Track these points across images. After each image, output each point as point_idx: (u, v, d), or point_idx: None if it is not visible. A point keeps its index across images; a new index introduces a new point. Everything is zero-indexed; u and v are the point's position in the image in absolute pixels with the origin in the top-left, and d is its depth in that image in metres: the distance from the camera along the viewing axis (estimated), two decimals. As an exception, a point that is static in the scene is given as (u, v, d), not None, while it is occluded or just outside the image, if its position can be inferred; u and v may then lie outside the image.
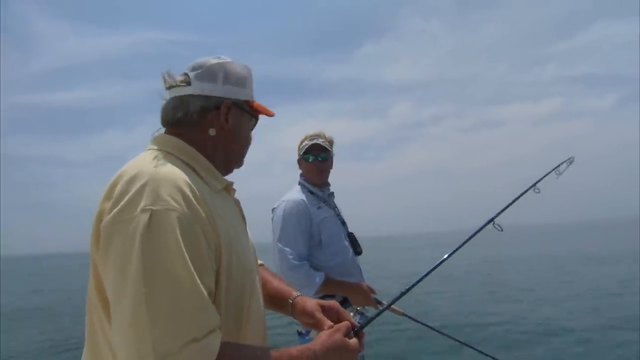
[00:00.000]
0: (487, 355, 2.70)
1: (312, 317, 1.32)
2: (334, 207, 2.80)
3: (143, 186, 0.95)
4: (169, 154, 1.10)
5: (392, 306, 2.56)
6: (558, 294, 11.70)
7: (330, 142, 2.76)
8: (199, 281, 0.92)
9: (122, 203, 0.94)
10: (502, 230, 1.83)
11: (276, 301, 1.45)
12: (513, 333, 7.98)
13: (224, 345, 0.95)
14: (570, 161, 2.25)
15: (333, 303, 1.34)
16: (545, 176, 2.17)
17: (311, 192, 2.72)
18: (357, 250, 2.77)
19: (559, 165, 2.22)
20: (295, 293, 1.42)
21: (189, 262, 0.92)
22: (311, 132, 2.77)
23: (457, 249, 1.77)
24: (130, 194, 0.94)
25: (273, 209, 2.71)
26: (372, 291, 2.61)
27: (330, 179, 2.82)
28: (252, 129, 1.31)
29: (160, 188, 0.95)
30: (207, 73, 1.18)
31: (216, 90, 1.18)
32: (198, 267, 0.94)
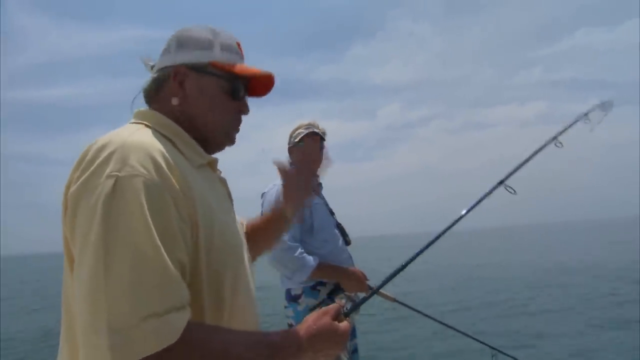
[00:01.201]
0: (480, 341, 2.71)
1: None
2: (323, 197, 2.79)
3: (111, 153, 0.89)
4: (147, 127, 1.04)
5: (383, 292, 2.57)
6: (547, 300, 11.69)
7: (324, 133, 2.75)
8: (164, 252, 0.85)
9: (89, 171, 0.89)
10: (515, 192, 1.55)
11: (272, 224, 1.49)
12: (505, 320, 8.07)
13: (191, 325, 0.87)
14: (606, 106, 1.71)
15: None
16: (571, 125, 1.67)
17: None
18: (346, 240, 2.77)
19: (587, 113, 1.68)
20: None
21: (154, 231, 0.85)
22: (305, 121, 2.74)
23: (461, 217, 1.52)
24: (98, 161, 0.89)
25: (263, 194, 2.68)
26: (365, 277, 2.61)
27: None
28: (235, 95, 1.16)
29: (129, 155, 0.89)
30: (165, 47, 1.15)
31: (168, 59, 1.13)
32: (165, 238, 0.87)
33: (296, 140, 2.71)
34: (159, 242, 0.85)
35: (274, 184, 2.66)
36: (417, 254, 1.45)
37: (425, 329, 6.96)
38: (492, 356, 2.68)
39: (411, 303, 2.62)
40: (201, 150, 1.12)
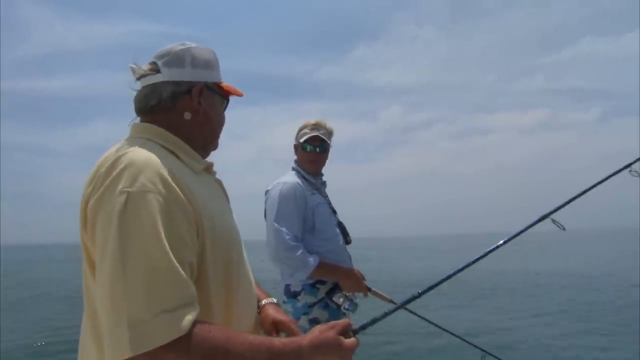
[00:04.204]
0: (469, 342, 2.77)
1: (268, 324, 1.33)
2: (326, 196, 2.82)
3: (122, 170, 1.00)
4: (148, 141, 1.13)
5: (378, 292, 2.63)
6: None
7: (330, 133, 2.76)
8: (172, 257, 0.96)
9: (102, 187, 1.00)
10: (564, 229, 1.49)
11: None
12: (496, 323, 8.06)
13: (199, 322, 0.97)
14: None
15: (289, 322, 1.33)
16: (613, 175, 1.68)
17: (305, 179, 2.72)
18: (347, 239, 2.80)
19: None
20: (264, 301, 1.42)
21: (164, 238, 0.96)
22: (312, 120, 2.74)
23: (491, 251, 1.50)
24: (110, 178, 1.00)
25: (267, 191, 2.69)
26: (363, 277, 2.65)
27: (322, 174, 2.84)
28: (224, 110, 1.34)
29: (138, 171, 1.00)
30: (175, 59, 1.21)
31: (185, 74, 1.21)
32: (174, 243, 0.98)
33: (301, 140, 2.72)
34: (168, 248, 0.96)
35: (277, 181, 2.68)
36: (440, 282, 1.45)
37: (415, 328, 6.97)
38: (482, 357, 2.73)
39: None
40: (198, 156, 1.25)
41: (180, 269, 0.97)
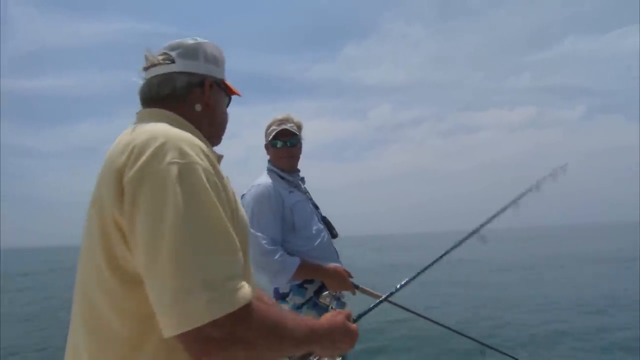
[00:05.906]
0: (468, 337, 2.68)
1: None
2: (306, 192, 2.73)
3: (163, 144, 0.99)
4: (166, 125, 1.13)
5: (366, 288, 2.53)
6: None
7: (299, 127, 2.68)
8: (230, 226, 0.98)
9: (145, 156, 0.96)
10: (485, 242, 1.92)
11: None
12: (493, 317, 8.03)
13: (254, 301, 0.98)
14: (557, 172, 2.24)
15: None
16: (524, 194, 2.18)
17: (281, 177, 2.64)
18: (332, 233, 2.71)
19: (541, 180, 2.20)
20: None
21: (220, 208, 0.97)
22: (279, 116, 2.67)
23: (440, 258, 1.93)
24: (153, 149, 0.97)
25: (242, 196, 2.59)
26: (349, 275, 2.56)
27: (307, 177, 2.77)
28: (227, 108, 1.38)
29: (182, 145, 0.99)
30: (189, 51, 1.24)
31: (199, 67, 1.25)
32: (225, 215, 0.99)
33: (270, 138, 2.64)
34: (225, 217, 0.98)
35: (251, 185, 2.60)
36: (417, 274, 1.77)
37: (410, 325, 6.90)
38: (480, 352, 2.65)
39: (396, 300, 2.56)
40: (211, 147, 1.26)
41: (236, 239, 0.98)
